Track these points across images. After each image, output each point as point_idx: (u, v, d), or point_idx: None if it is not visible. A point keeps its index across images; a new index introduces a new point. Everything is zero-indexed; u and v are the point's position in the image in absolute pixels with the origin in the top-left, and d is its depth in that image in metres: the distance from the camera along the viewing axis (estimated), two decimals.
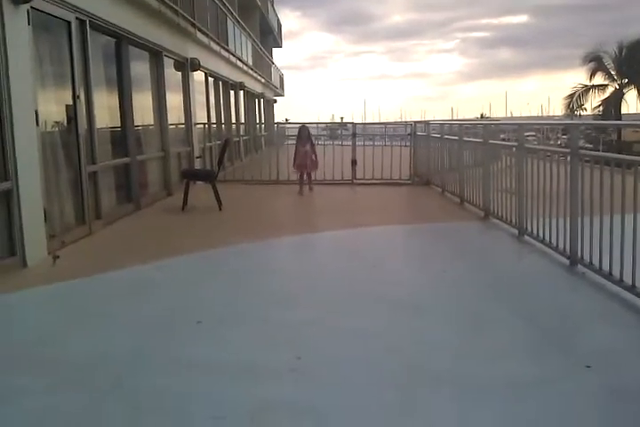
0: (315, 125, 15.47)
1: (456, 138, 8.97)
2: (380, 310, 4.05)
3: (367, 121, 79.70)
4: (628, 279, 4.00)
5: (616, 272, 4.16)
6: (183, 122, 11.53)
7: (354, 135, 12.20)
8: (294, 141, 10.79)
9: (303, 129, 10.61)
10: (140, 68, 9.28)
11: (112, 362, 3.23)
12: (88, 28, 6.75)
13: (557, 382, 2.93)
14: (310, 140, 10.50)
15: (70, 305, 4.32)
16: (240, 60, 17.71)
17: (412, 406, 2.73)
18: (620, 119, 28.73)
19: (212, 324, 3.80)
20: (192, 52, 11.75)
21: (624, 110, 31.32)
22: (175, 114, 10.88)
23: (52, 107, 6.26)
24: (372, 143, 13.03)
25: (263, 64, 25.13)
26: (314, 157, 10.46)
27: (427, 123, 12.31)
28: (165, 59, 10.14)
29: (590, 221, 4.52)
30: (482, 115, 74.08)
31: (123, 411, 2.71)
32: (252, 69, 20.65)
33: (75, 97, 6.43)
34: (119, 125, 8.29)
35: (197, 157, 11.90)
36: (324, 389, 2.90)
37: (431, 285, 4.73)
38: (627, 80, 30.41)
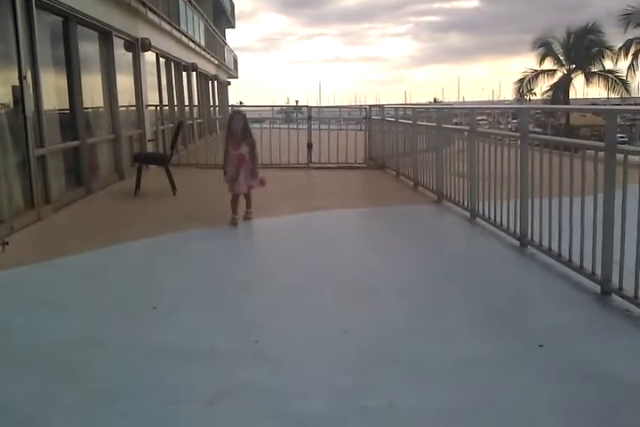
0: (269, 108, 15.42)
1: (410, 122, 9.04)
2: (336, 293, 4.08)
3: (322, 104, 79.51)
4: (576, 260, 4.13)
5: (565, 253, 4.29)
6: (134, 104, 11.28)
7: (309, 119, 12.16)
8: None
9: (237, 117, 6.45)
10: (88, 48, 9.01)
11: (65, 350, 3.17)
12: (34, 5, 6.50)
13: (510, 362, 3.02)
14: (249, 137, 6.40)
15: (21, 293, 4.21)
16: (192, 41, 17.36)
17: (368, 387, 2.77)
18: (569, 104, 29.39)
19: (167, 310, 3.76)
20: (143, 32, 11.45)
21: (572, 95, 32.11)
22: (126, 96, 10.62)
23: None
24: (327, 127, 13.02)
25: (216, 45, 24.70)
26: (253, 168, 6.37)
27: (381, 107, 12.35)
28: (115, 39, 9.87)
29: (540, 203, 4.65)
30: (435, 99, 74.96)
31: (76, 399, 2.67)
32: (204, 50, 20.27)
33: (21, 78, 6.21)
34: (68, 107, 8.06)
35: (150, 141, 11.68)
36: (283, 372, 2.92)
37: (386, 267, 4.79)
38: (574, 65, 31.10)
